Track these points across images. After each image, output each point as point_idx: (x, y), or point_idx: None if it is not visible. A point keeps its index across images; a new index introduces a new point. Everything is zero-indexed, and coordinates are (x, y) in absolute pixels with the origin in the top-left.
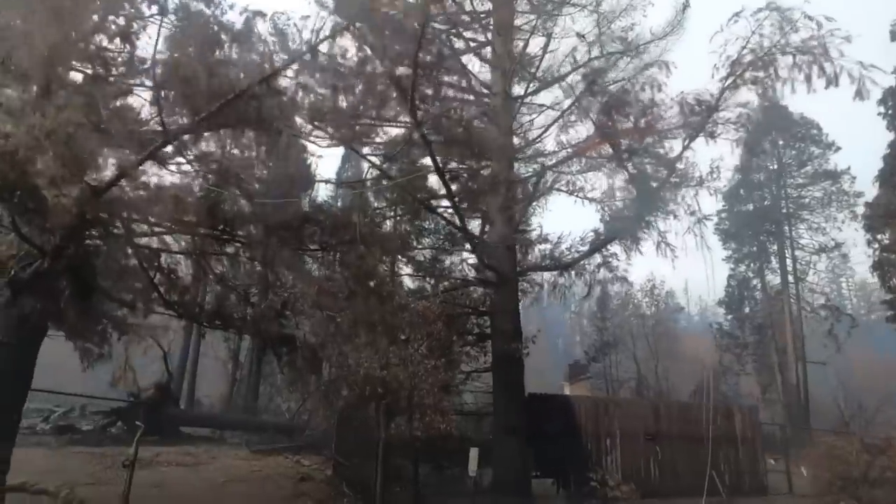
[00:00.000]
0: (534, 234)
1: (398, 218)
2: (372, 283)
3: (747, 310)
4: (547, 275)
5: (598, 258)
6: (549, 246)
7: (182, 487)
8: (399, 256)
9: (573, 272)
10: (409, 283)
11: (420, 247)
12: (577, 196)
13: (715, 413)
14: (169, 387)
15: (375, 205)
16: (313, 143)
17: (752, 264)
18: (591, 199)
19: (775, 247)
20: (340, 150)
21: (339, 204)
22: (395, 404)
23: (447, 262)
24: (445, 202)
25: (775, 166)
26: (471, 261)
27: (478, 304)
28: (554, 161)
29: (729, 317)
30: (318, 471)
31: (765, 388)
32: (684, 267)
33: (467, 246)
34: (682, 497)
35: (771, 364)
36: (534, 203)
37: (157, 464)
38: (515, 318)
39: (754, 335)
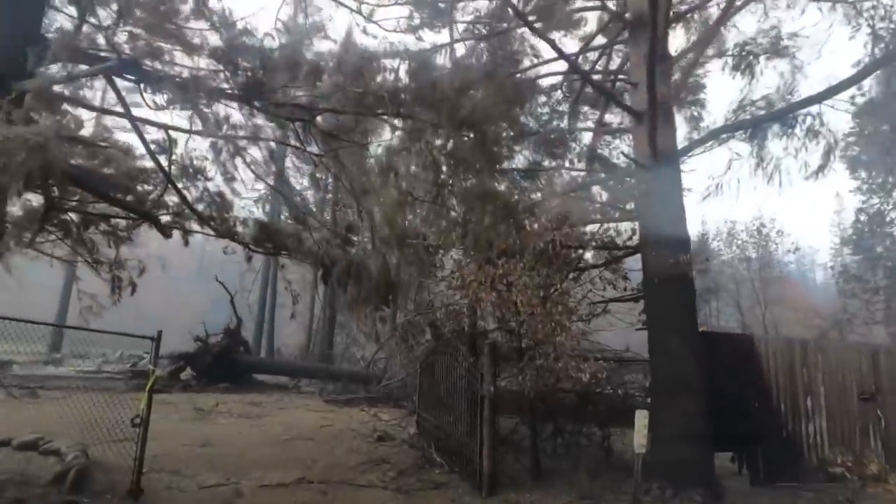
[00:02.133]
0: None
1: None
2: (479, 149)
3: (880, 249)
4: (741, 148)
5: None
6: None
7: (233, 447)
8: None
9: (804, 125)
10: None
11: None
12: None
13: None
14: (238, 331)
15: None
16: (377, 24)
17: (890, 195)
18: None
19: None
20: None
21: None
22: (502, 345)
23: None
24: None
25: None
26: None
27: (617, 202)
28: None
29: (856, 257)
30: (399, 428)
31: None
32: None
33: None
34: None
35: None
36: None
37: (216, 414)
38: (679, 218)
39: (889, 278)
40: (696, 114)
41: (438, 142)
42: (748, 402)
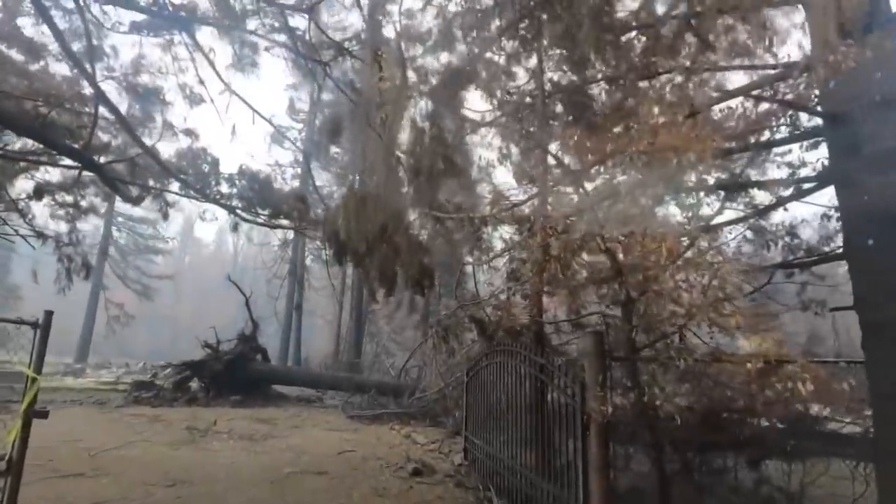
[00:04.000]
0: None
1: None
2: None
3: None
4: None
5: None
6: None
7: (213, 487)
8: None
9: None
10: None
11: None
12: None
13: None
14: (254, 337)
15: None
16: None
17: None
18: None
19: None
20: None
21: None
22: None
23: None
24: None
25: None
26: None
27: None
28: None
29: None
30: (440, 455)
31: None
32: None
33: None
34: None
35: None
36: None
37: (212, 436)
38: None
39: None
40: None
41: None
42: None
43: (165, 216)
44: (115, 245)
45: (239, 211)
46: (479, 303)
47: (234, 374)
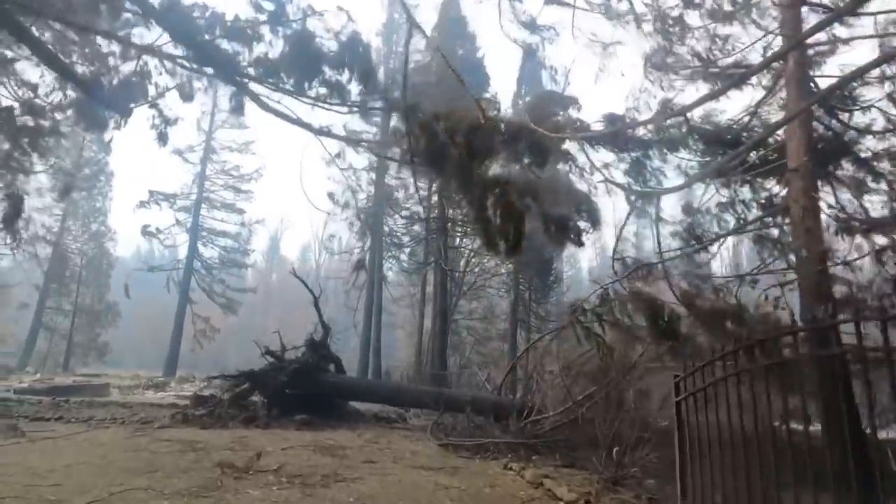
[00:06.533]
0: None
1: None
2: None
3: None
4: None
5: None
6: None
7: None
8: None
9: None
10: None
11: None
12: None
13: None
14: (325, 344)
15: None
16: None
17: None
18: None
19: None
20: None
21: None
22: None
23: None
24: None
25: None
26: None
27: None
28: None
29: None
30: None
31: None
32: None
33: None
34: None
35: None
36: None
37: (254, 476)
38: None
39: None
40: None
41: None
42: None
43: (162, 138)
44: (199, 259)
45: (248, 81)
46: (659, 264)
47: (299, 387)
